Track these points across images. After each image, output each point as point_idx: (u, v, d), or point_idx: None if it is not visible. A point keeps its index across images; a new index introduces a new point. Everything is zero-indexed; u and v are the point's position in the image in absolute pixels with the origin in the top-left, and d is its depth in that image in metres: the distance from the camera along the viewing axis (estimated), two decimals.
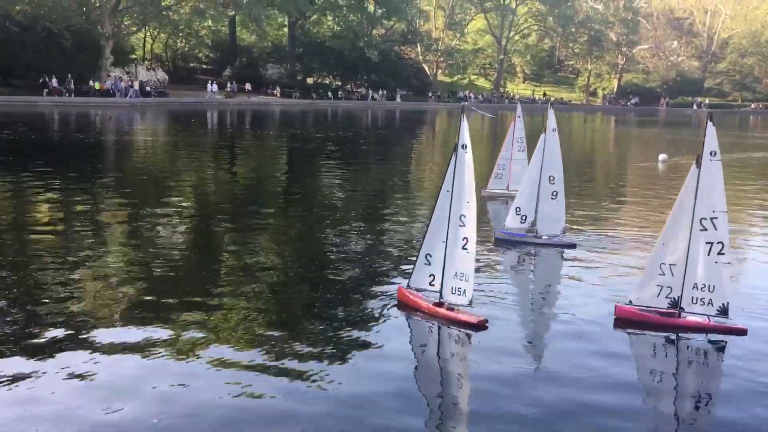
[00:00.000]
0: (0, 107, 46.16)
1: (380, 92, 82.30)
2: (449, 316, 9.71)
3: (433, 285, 9.91)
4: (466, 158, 9.59)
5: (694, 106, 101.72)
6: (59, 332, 8.89)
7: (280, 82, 76.45)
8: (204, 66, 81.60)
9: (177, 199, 19.14)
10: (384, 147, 38.31)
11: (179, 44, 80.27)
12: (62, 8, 58.25)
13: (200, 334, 9.06)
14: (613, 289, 11.72)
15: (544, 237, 14.53)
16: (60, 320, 9.29)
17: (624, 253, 14.37)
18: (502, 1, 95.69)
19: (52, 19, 55.34)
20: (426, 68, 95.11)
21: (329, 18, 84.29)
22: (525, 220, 14.61)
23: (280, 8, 74.40)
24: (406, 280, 10.44)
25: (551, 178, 14.29)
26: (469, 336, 9.41)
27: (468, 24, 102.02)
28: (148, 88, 63.07)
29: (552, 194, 14.33)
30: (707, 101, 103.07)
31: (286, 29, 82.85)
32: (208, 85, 68.64)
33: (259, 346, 8.76)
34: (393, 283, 11.32)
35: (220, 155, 31.68)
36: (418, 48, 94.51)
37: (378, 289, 11.23)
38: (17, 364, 7.94)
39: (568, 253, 14.12)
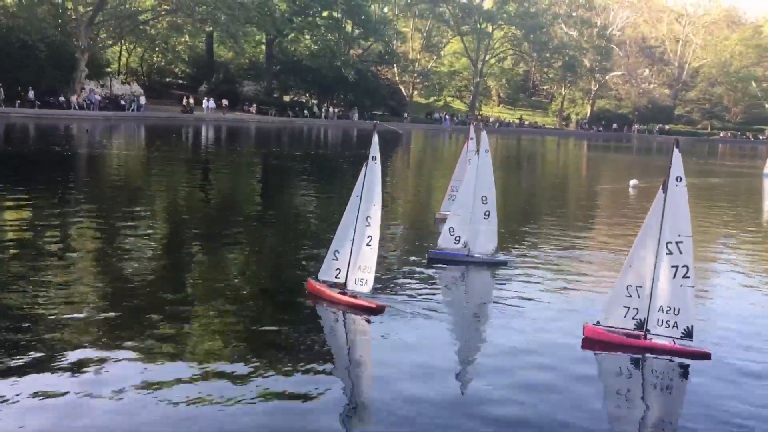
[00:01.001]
0: None
1: (330, 110, 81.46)
2: (353, 303, 10.97)
3: (339, 278, 11.22)
4: (375, 168, 11.03)
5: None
6: (27, 347, 8.80)
7: (257, 99, 76.40)
8: (180, 81, 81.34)
9: (148, 214, 19.02)
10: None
11: (155, 59, 79.97)
12: (37, 20, 57.73)
13: (161, 345, 9.03)
14: (555, 307, 11.98)
15: (476, 255, 14.71)
16: (29, 334, 9.19)
17: (571, 272, 14.67)
18: (478, 25, 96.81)
19: (26, 30, 54.86)
20: (402, 89, 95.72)
21: (307, 37, 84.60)
22: (459, 240, 14.76)
23: (258, 26, 74.47)
24: (315, 273, 11.62)
25: (484, 198, 14.58)
26: (368, 321, 10.59)
27: (444, 46, 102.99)
28: (122, 102, 62.71)
29: (485, 214, 14.61)
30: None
31: (263, 47, 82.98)
32: (204, 101, 68.49)
33: (213, 351, 8.78)
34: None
35: (193, 171, 31.55)
36: (395, 69, 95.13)
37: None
38: None
39: (505, 271, 14.35)
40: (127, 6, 66.54)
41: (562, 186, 36.91)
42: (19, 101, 53.56)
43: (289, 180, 29.51)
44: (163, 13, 66.63)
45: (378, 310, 10.78)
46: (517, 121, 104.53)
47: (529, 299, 12.43)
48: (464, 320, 11.60)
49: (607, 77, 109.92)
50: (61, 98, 56.32)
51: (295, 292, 11.91)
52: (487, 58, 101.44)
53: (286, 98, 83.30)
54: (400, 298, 11.81)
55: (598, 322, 10.38)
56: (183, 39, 74.96)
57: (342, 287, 11.18)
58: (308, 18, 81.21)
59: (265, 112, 74.26)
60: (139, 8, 67.61)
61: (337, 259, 11.21)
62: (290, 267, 14.05)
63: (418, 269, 14.14)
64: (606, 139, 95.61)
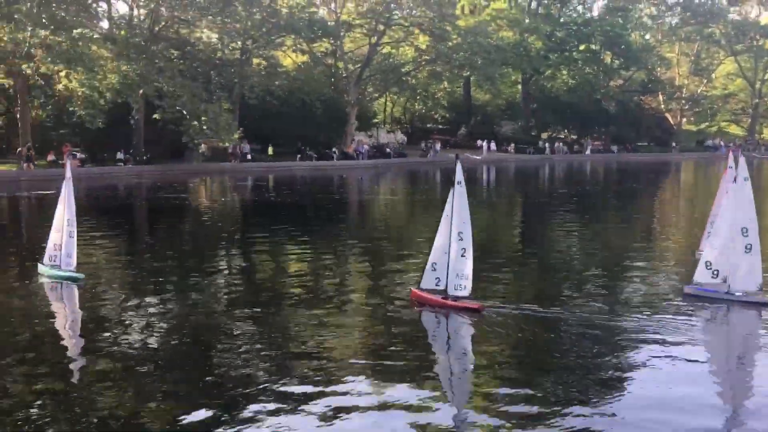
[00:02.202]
0: (263, 171, 51.77)
1: (556, 145, 77.54)
2: (456, 306, 12.70)
3: (439, 285, 12.96)
4: (462, 191, 12.74)
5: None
6: (309, 374, 9.60)
7: (514, 138, 76.87)
8: (440, 126, 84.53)
9: (407, 252, 19.80)
10: (623, 200, 36.77)
11: (417, 107, 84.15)
12: (314, 81, 63.99)
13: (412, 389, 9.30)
14: None
15: (737, 294, 13.18)
16: (306, 363, 10.05)
17: None
18: (755, 43, 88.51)
19: (305, 91, 60.99)
20: (669, 117, 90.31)
21: (564, 72, 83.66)
22: (717, 275, 13.35)
23: (514, 66, 75.40)
24: (417, 284, 13.45)
25: (744, 230, 13.17)
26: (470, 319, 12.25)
27: (716, 69, 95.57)
28: (387, 150, 66.65)
29: (746, 247, 13.14)
30: None
31: (519, 86, 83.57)
32: (484, 143, 71.22)
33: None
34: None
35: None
36: (660, 97, 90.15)
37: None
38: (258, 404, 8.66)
39: None
40: (390, 60, 71.16)
41: None
42: (299, 155, 59.34)
43: (554, 217, 29.07)
44: (423, 63, 70.19)
45: (479, 310, 12.45)
46: None
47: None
48: (728, 362, 10.52)
49: None
50: (334, 150, 61.42)
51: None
52: (766, 77, 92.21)
53: (544, 135, 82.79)
54: (655, 333, 11.42)
55: None
56: (442, 86, 78.15)
57: (443, 293, 12.90)
58: (565, 53, 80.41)
59: (524, 150, 74.48)
60: (402, 61, 71.94)
61: (435, 270, 12.98)
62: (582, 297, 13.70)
63: (673, 304, 13.33)
64: None
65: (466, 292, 12.78)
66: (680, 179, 56.29)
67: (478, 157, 64.76)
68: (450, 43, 65.84)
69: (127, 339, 11.31)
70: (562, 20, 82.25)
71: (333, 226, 26.52)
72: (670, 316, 12.45)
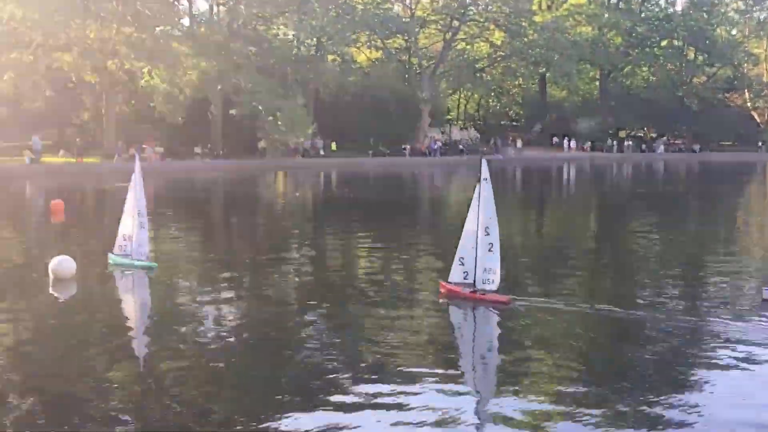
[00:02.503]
0: (334, 167, 52.28)
1: (625, 144, 75.23)
2: (485, 299, 12.90)
3: (467, 279, 13.19)
4: (488, 187, 12.90)
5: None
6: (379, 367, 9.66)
7: (591, 135, 75.18)
8: (513, 123, 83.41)
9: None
10: (703, 202, 35.53)
11: (491, 103, 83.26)
12: (387, 77, 64.17)
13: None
14: None
15: None
16: (376, 351, 10.12)
17: None
18: None
19: (378, 87, 61.20)
20: (755, 115, 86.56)
21: (644, 68, 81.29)
22: None
23: (593, 62, 73.75)
24: (447, 277, 13.55)
25: None
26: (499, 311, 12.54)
27: None
28: (460, 147, 66.15)
29: None
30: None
31: (597, 82, 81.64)
32: (564, 141, 70.42)
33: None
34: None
35: (526, 209, 31.96)
36: (746, 94, 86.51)
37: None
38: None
39: None
40: (465, 56, 70.65)
41: None
42: (372, 151, 59.53)
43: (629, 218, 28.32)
44: (498, 59, 69.49)
45: (507, 303, 12.68)
46: None
47: None
48: None
49: None
50: (405, 147, 61.30)
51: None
52: None
53: (622, 133, 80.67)
54: (730, 336, 11.16)
55: None
56: (517, 82, 77.16)
57: (472, 287, 13.09)
58: (645, 49, 78.14)
59: (600, 148, 72.84)
60: (476, 57, 71.34)
61: (463, 264, 13.20)
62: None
63: (751, 308, 12.90)
64: None
65: (494, 286, 12.96)
66: (766, 181, 53.94)
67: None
68: (526, 39, 64.92)
69: (197, 330, 11.60)
70: (643, 15, 79.87)
71: (403, 222, 26.50)
72: (748, 319, 12.07)
